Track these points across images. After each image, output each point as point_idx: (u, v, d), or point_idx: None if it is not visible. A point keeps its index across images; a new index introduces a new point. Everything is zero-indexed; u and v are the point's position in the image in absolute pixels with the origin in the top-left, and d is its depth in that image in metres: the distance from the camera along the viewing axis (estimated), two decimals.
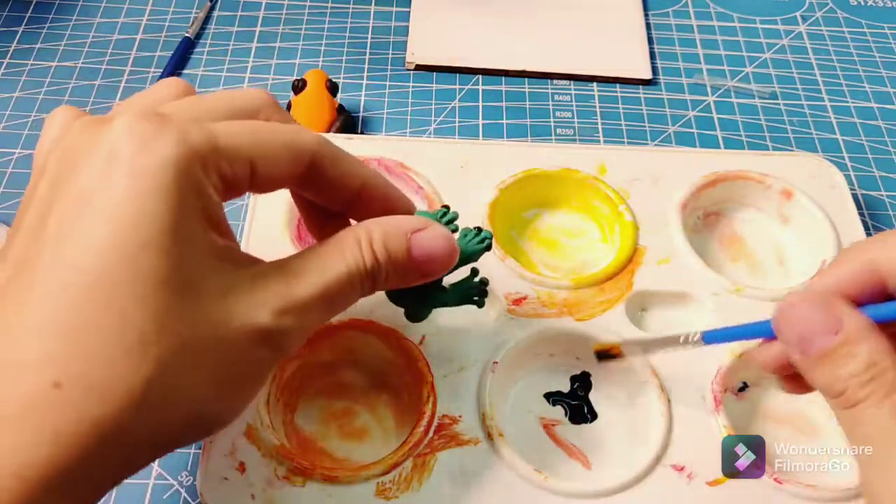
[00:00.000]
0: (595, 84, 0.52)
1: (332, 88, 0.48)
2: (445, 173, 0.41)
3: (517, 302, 0.37)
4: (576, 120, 0.50)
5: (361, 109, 0.50)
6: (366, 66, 0.52)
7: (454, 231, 0.30)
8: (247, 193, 0.26)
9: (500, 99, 0.51)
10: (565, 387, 0.37)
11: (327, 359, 0.36)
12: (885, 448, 0.23)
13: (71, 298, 0.20)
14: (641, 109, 0.51)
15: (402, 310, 0.32)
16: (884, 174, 0.48)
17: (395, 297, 0.31)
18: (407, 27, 0.54)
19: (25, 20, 0.53)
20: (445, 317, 0.35)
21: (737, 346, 0.36)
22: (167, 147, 0.22)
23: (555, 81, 0.52)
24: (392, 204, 0.28)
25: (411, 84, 0.51)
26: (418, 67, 0.52)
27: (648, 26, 0.56)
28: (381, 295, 0.33)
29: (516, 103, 0.51)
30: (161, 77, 0.50)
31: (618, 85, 0.52)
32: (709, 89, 0.52)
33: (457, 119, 0.50)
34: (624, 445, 0.35)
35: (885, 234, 0.27)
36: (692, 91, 0.52)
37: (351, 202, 0.27)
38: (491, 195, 0.40)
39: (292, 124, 0.26)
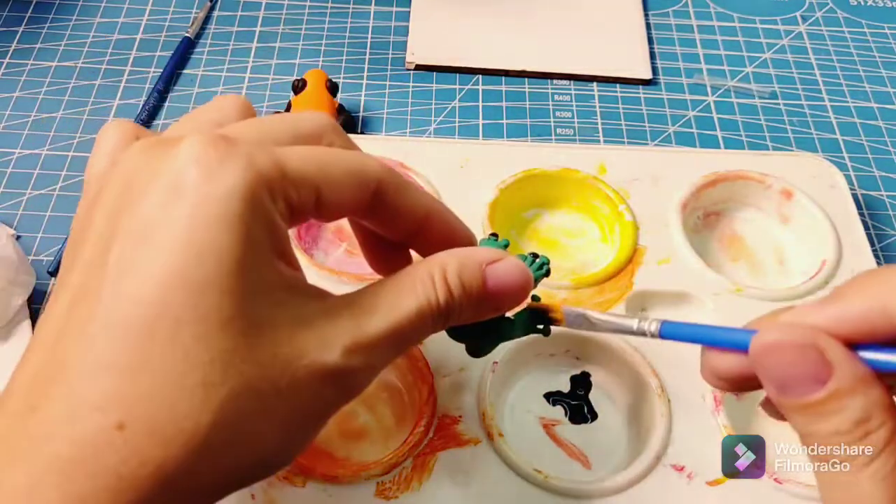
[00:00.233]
0: (595, 84, 0.52)
1: (332, 88, 0.48)
2: (445, 173, 0.41)
3: None
4: (576, 120, 0.50)
5: (361, 109, 0.50)
6: (366, 66, 0.52)
7: None
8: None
9: (500, 99, 0.51)
10: (565, 387, 0.37)
11: None
12: None
13: (133, 336, 0.19)
14: (641, 109, 0.51)
15: None
16: (884, 174, 0.48)
17: (457, 333, 0.28)
18: (407, 27, 0.54)
19: (25, 20, 0.53)
20: None
21: None
22: (234, 175, 0.20)
23: (555, 81, 0.52)
24: (454, 234, 0.27)
25: (411, 84, 0.51)
26: (418, 67, 0.52)
27: (648, 26, 0.56)
28: None
29: (516, 103, 0.51)
30: (161, 77, 0.50)
31: (618, 85, 0.52)
32: (709, 89, 0.52)
33: (457, 119, 0.50)
34: (624, 445, 0.35)
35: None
36: (692, 91, 0.52)
37: (413, 232, 0.26)
38: (491, 195, 0.40)
39: (357, 151, 0.26)
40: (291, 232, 0.38)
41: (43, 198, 0.44)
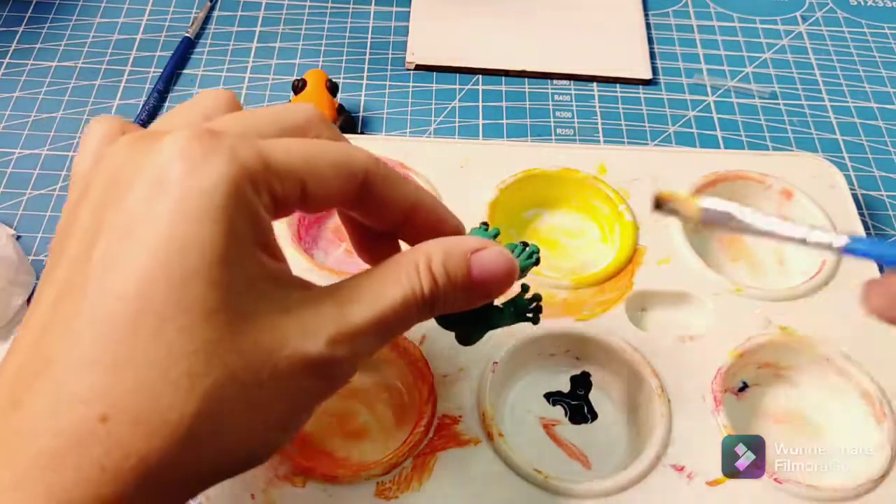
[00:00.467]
0: (595, 84, 0.52)
1: (332, 88, 0.48)
2: (445, 173, 0.41)
3: None
4: (576, 120, 0.50)
5: (361, 109, 0.50)
6: (366, 66, 0.52)
7: None
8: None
9: (500, 99, 0.51)
10: (565, 387, 0.37)
11: None
12: None
13: (117, 331, 0.19)
14: (641, 109, 0.51)
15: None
16: (884, 174, 0.48)
17: (447, 321, 0.28)
18: (407, 27, 0.54)
19: (25, 20, 0.53)
20: None
21: (737, 346, 0.36)
22: (218, 168, 0.20)
23: (555, 81, 0.52)
24: (443, 224, 0.27)
25: (411, 84, 0.51)
26: (418, 67, 0.52)
27: (648, 26, 0.56)
28: None
29: (516, 103, 0.51)
30: (161, 77, 0.50)
31: (618, 85, 0.52)
32: (709, 89, 0.52)
33: (457, 119, 0.50)
34: (624, 445, 0.35)
35: None
36: (692, 91, 0.52)
37: (401, 222, 0.26)
38: (491, 195, 0.40)
39: (343, 142, 0.26)
40: (291, 231, 0.39)
41: (43, 198, 0.44)
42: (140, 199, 0.20)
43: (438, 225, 0.27)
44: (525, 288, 0.29)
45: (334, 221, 0.41)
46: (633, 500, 0.32)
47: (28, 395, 0.19)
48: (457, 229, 0.27)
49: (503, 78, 0.52)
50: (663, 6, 0.58)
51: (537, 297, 0.30)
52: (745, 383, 0.37)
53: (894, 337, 0.37)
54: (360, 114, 0.50)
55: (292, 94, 0.48)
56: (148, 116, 0.48)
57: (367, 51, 0.53)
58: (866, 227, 0.43)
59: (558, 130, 0.49)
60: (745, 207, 0.23)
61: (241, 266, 0.21)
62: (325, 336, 0.22)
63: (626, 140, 0.49)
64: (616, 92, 0.52)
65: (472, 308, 0.26)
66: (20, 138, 0.47)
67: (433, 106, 0.50)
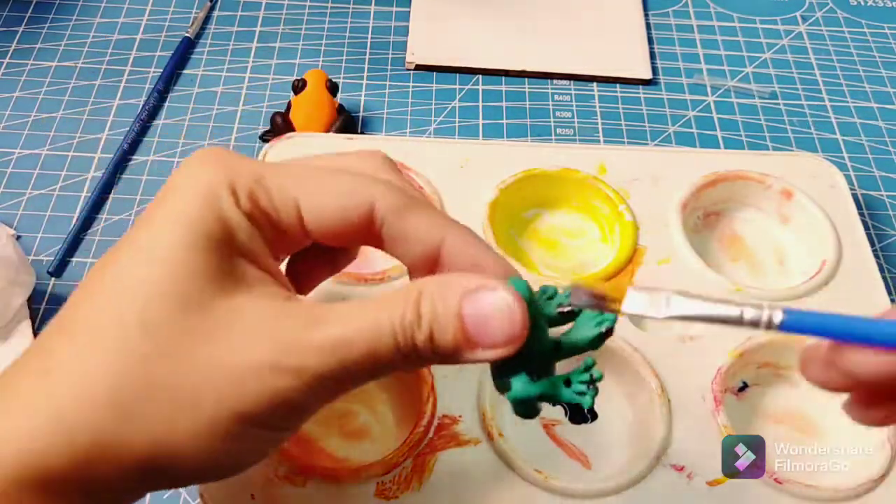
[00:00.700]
0: (595, 84, 0.52)
1: (332, 88, 0.48)
2: (445, 173, 0.41)
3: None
4: (576, 120, 0.50)
5: (361, 109, 0.50)
6: (366, 66, 0.52)
7: (573, 317, 0.23)
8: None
9: (500, 99, 0.51)
10: None
11: None
12: None
13: (97, 305, 0.21)
14: (641, 109, 0.51)
15: None
16: (884, 174, 0.48)
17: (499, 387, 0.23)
18: (407, 27, 0.54)
19: (25, 20, 0.53)
20: None
21: (737, 346, 0.36)
22: (208, 171, 0.22)
23: (555, 81, 0.52)
24: (480, 266, 0.23)
25: (411, 84, 0.51)
26: (418, 67, 0.52)
27: (648, 26, 0.56)
28: None
29: (516, 103, 0.51)
30: (161, 77, 0.50)
31: (618, 85, 0.52)
32: (709, 89, 0.52)
33: (457, 119, 0.50)
34: (624, 445, 0.35)
35: None
36: (692, 91, 0.52)
37: (430, 262, 0.23)
38: (491, 195, 0.40)
39: (395, 182, 0.24)
40: None
41: (43, 198, 0.44)
42: (158, 194, 0.23)
43: (478, 270, 0.23)
44: (588, 364, 0.23)
45: None
46: (633, 500, 0.32)
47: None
48: (501, 270, 0.23)
49: (503, 78, 0.52)
50: (663, 6, 0.58)
51: (596, 377, 0.24)
52: (745, 383, 0.37)
53: None
54: (360, 114, 0.50)
55: (292, 94, 0.48)
56: (148, 116, 0.48)
57: (367, 51, 0.53)
58: (866, 227, 0.43)
59: (558, 130, 0.49)
60: (674, 297, 0.21)
61: (189, 254, 0.21)
62: (269, 354, 0.20)
63: (626, 140, 0.49)
64: (616, 92, 0.52)
65: (499, 361, 0.22)
66: (20, 138, 0.47)
67: (433, 106, 0.50)
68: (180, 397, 0.20)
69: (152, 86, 0.50)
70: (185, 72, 0.51)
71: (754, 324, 0.20)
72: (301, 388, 0.21)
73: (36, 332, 0.39)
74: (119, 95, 0.50)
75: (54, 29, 0.53)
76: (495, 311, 0.21)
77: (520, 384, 0.22)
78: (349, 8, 0.56)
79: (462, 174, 0.42)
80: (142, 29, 0.54)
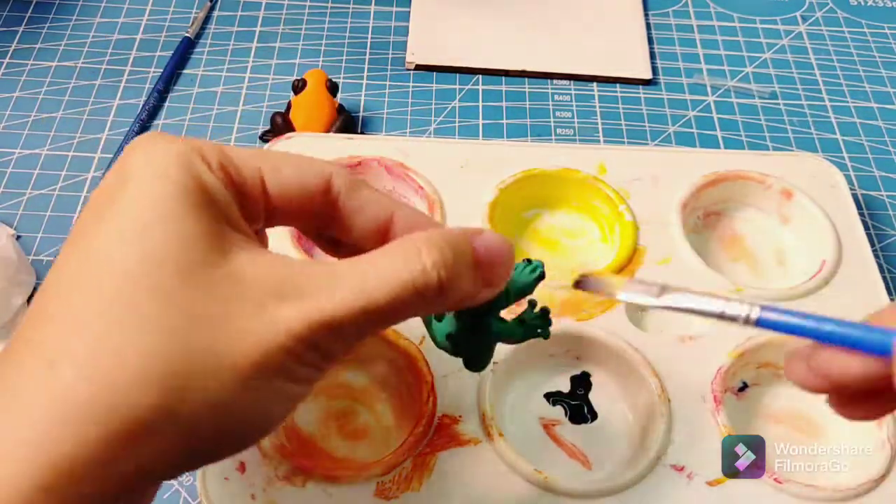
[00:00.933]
0: (595, 84, 0.52)
1: (332, 88, 0.48)
2: (445, 173, 0.41)
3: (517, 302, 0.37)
4: (576, 120, 0.50)
5: (361, 109, 0.50)
6: (366, 66, 0.52)
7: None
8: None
9: (500, 99, 0.51)
10: (565, 387, 0.37)
11: None
12: None
13: (84, 288, 0.20)
14: (641, 109, 0.51)
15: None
16: (884, 174, 0.48)
17: (455, 341, 0.27)
18: (407, 27, 0.54)
19: (25, 20, 0.53)
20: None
21: (737, 346, 0.36)
22: (167, 146, 0.22)
23: (555, 81, 0.52)
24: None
25: (411, 84, 0.51)
26: (418, 67, 0.52)
27: (648, 26, 0.56)
28: None
29: (516, 103, 0.51)
30: (161, 77, 0.50)
31: (618, 85, 0.52)
32: (709, 89, 0.52)
33: (457, 119, 0.50)
34: (624, 445, 0.35)
35: None
36: (692, 91, 0.52)
37: (379, 239, 0.25)
38: (491, 195, 0.40)
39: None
40: (291, 233, 0.38)
41: (43, 198, 0.44)
42: (108, 182, 0.22)
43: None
44: (532, 303, 0.29)
45: None
46: (633, 500, 0.32)
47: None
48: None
49: (503, 78, 0.52)
50: (663, 6, 0.58)
51: (546, 311, 0.29)
52: (745, 383, 0.37)
53: None
54: (360, 114, 0.50)
55: (292, 94, 0.48)
56: (148, 116, 0.48)
57: (367, 51, 0.53)
58: (866, 227, 0.43)
59: (558, 130, 0.49)
60: (666, 294, 0.23)
61: (193, 223, 0.21)
62: (293, 328, 0.20)
63: (626, 140, 0.49)
64: (616, 92, 0.52)
65: (476, 323, 0.26)
66: (20, 138, 0.47)
67: (433, 106, 0.50)
68: (216, 361, 0.20)
69: (152, 86, 0.50)
70: (185, 72, 0.51)
71: (734, 319, 0.21)
72: (325, 336, 0.21)
73: None
74: (119, 95, 0.50)
75: (54, 29, 0.53)
76: (502, 249, 0.24)
77: (496, 323, 0.27)
78: (349, 8, 0.56)
79: (462, 174, 0.42)
80: (142, 29, 0.54)
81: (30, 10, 0.54)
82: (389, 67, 0.52)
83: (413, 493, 0.31)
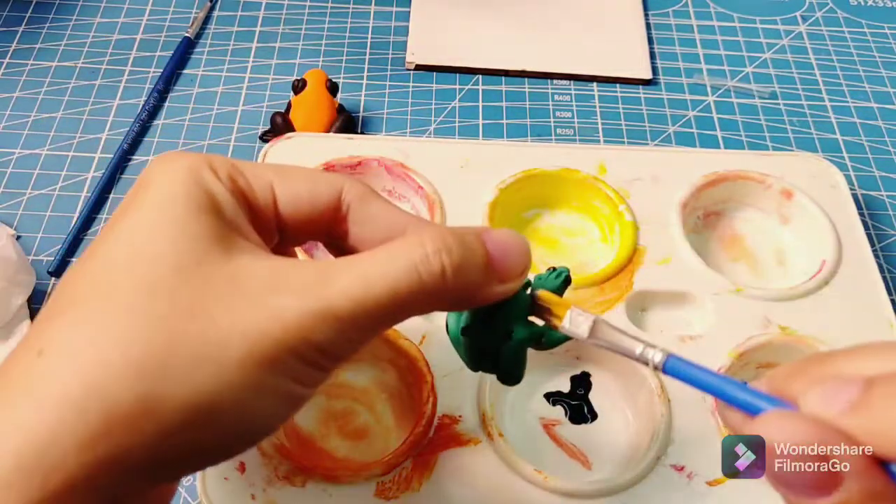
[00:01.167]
0: (595, 84, 0.52)
1: (332, 88, 0.48)
2: (445, 173, 0.41)
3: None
4: (576, 120, 0.50)
5: (361, 109, 0.50)
6: (366, 66, 0.52)
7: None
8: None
9: (500, 99, 0.51)
10: (565, 387, 0.37)
11: None
12: None
13: (93, 285, 0.20)
14: (641, 109, 0.51)
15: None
16: (884, 174, 0.48)
17: (468, 336, 0.26)
18: (407, 27, 0.54)
19: (25, 20, 0.53)
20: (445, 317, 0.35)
21: (737, 346, 0.36)
22: (182, 158, 0.23)
23: (555, 81, 0.52)
24: None
25: (411, 84, 0.51)
26: (418, 67, 0.52)
27: (648, 26, 0.56)
28: None
29: (516, 103, 0.51)
30: (161, 77, 0.50)
31: (618, 85, 0.52)
32: (709, 89, 0.52)
33: (457, 119, 0.50)
34: (624, 445, 0.35)
35: None
36: (692, 91, 0.52)
37: None
38: (491, 195, 0.40)
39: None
40: None
41: (43, 198, 0.44)
42: (129, 194, 0.23)
43: None
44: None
45: None
46: (633, 500, 0.32)
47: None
48: None
49: (503, 78, 0.52)
50: (663, 6, 0.58)
51: (550, 306, 0.26)
52: (745, 383, 0.37)
53: (895, 337, 0.37)
54: (360, 114, 0.50)
55: (292, 94, 0.48)
56: (148, 116, 0.48)
57: (367, 51, 0.53)
58: (866, 227, 0.43)
59: (558, 130, 0.49)
60: (605, 329, 0.25)
61: (183, 223, 0.21)
62: (290, 319, 0.20)
63: (626, 140, 0.49)
64: (616, 92, 0.52)
65: (498, 302, 0.24)
66: (20, 138, 0.47)
67: (433, 106, 0.50)
68: (207, 351, 0.19)
69: (152, 86, 0.50)
70: (185, 72, 0.51)
71: (644, 362, 0.23)
72: (325, 332, 0.20)
73: None
74: (119, 95, 0.50)
75: (54, 29, 0.53)
76: (514, 243, 0.23)
77: (521, 329, 0.26)
78: (349, 8, 0.56)
79: (462, 174, 0.42)
80: (142, 29, 0.54)
81: (30, 10, 0.54)
82: (389, 67, 0.52)
83: (413, 493, 0.31)
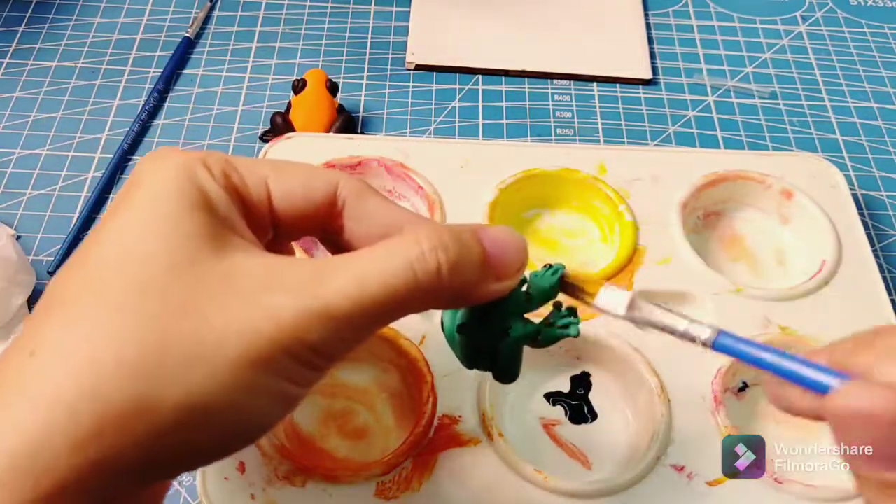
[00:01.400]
0: (595, 84, 0.52)
1: (332, 88, 0.48)
2: (445, 173, 0.41)
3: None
4: (576, 120, 0.50)
5: (361, 109, 0.50)
6: (366, 66, 0.52)
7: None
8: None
9: (500, 99, 0.51)
10: (565, 387, 0.37)
11: None
12: None
13: (85, 284, 0.20)
14: (641, 109, 0.51)
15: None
16: (884, 174, 0.48)
17: (464, 334, 0.26)
18: (407, 27, 0.54)
19: (25, 20, 0.53)
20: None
21: None
22: (175, 156, 0.22)
23: (555, 81, 0.52)
24: None
25: (411, 84, 0.51)
26: (418, 67, 0.52)
27: (648, 26, 0.56)
28: None
29: (516, 103, 0.51)
30: (161, 77, 0.50)
31: (618, 85, 0.52)
32: (709, 89, 0.52)
33: (457, 119, 0.50)
34: (624, 445, 0.35)
35: None
36: (692, 91, 0.52)
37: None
38: (491, 195, 0.40)
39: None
40: None
41: (43, 198, 0.44)
42: (120, 192, 0.22)
43: None
44: (558, 305, 0.27)
45: None
46: (633, 500, 0.32)
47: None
48: None
49: (503, 78, 0.52)
50: (663, 6, 0.58)
51: (573, 309, 0.27)
52: (745, 383, 0.37)
53: None
54: (360, 114, 0.50)
55: (292, 94, 0.48)
56: (148, 116, 0.48)
57: (367, 51, 0.53)
58: (866, 227, 0.43)
59: (558, 130, 0.49)
60: (643, 304, 0.23)
61: (176, 219, 0.21)
62: (285, 318, 0.20)
63: (626, 140, 0.49)
64: (616, 92, 0.52)
65: (495, 301, 0.24)
66: (20, 138, 0.47)
67: (433, 106, 0.50)
68: (200, 351, 0.19)
69: (152, 86, 0.50)
70: (185, 72, 0.51)
71: (691, 339, 0.22)
72: (320, 331, 0.20)
73: None
74: (119, 95, 0.50)
75: (54, 29, 0.53)
76: (510, 240, 0.23)
77: (518, 326, 0.26)
78: (349, 8, 0.56)
79: (462, 174, 0.42)
80: (142, 29, 0.54)
81: (30, 10, 0.54)
82: (389, 67, 0.52)
83: (413, 493, 0.31)
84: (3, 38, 0.52)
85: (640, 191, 0.41)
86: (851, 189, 0.43)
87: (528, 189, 0.42)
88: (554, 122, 0.50)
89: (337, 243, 0.25)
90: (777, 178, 0.42)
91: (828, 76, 0.54)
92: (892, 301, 0.39)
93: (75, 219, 0.43)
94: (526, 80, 0.52)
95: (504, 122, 0.50)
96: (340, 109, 0.48)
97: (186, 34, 0.52)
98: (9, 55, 0.51)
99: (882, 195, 0.47)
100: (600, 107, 0.51)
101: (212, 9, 0.55)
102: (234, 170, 0.23)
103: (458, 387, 0.34)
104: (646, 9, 0.57)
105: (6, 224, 0.42)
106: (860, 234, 0.40)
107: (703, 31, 0.56)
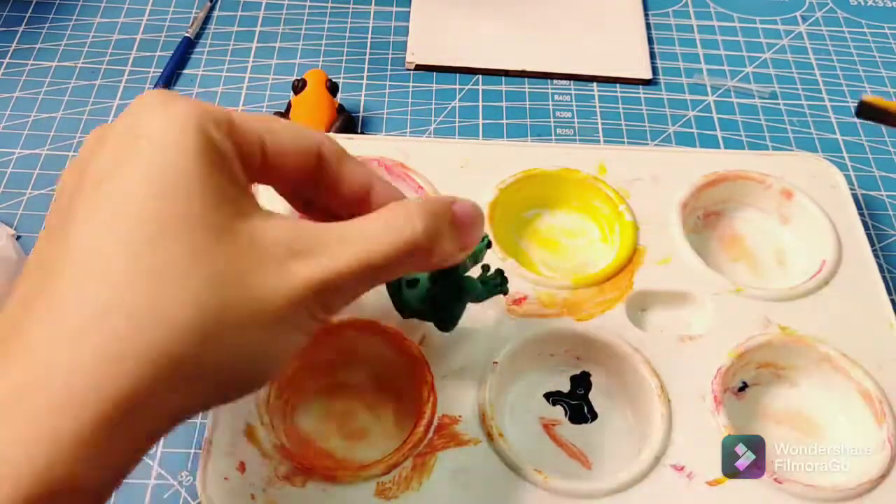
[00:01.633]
0: (595, 84, 0.52)
1: (332, 88, 0.48)
2: (445, 173, 0.41)
3: (517, 302, 0.37)
4: (576, 120, 0.50)
5: (361, 109, 0.50)
6: (366, 66, 0.52)
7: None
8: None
9: (500, 99, 0.51)
10: (565, 387, 0.37)
11: (328, 358, 0.36)
12: None
13: (120, 239, 0.21)
14: (641, 109, 0.51)
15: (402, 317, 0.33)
16: (884, 174, 0.48)
17: (434, 303, 0.33)
18: (407, 27, 0.54)
19: (25, 20, 0.53)
20: None
21: (737, 346, 0.36)
22: (183, 107, 0.23)
23: (555, 81, 0.52)
24: None
25: (411, 84, 0.51)
26: (418, 67, 0.52)
27: (648, 26, 0.56)
28: (384, 300, 0.33)
29: (516, 103, 0.51)
30: (161, 77, 0.50)
31: (618, 85, 0.52)
32: (709, 89, 0.52)
33: (457, 119, 0.50)
34: (624, 445, 0.35)
35: None
36: (692, 91, 0.52)
37: (358, 202, 0.28)
38: (491, 195, 0.40)
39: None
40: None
41: (43, 198, 0.44)
42: (120, 143, 0.22)
43: None
44: (487, 267, 0.33)
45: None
46: (633, 500, 0.32)
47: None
48: None
49: (503, 78, 0.52)
50: (663, 6, 0.58)
51: (500, 271, 0.34)
52: (745, 383, 0.37)
53: (894, 337, 0.37)
54: (360, 114, 0.50)
55: (292, 94, 0.48)
56: None
57: (367, 51, 0.53)
58: (866, 227, 0.43)
59: (558, 130, 0.49)
60: None
61: (213, 184, 0.22)
62: (313, 281, 0.23)
63: (626, 140, 0.49)
64: (616, 92, 0.52)
65: (444, 285, 0.31)
66: (20, 138, 0.47)
67: (433, 106, 0.50)
68: (245, 314, 0.22)
69: (152, 86, 0.50)
70: (185, 72, 0.51)
71: None
72: (334, 293, 0.24)
73: None
74: (119, 95, 0.50)
75: (54, 29, 0.53)
76: (478, 215, 0.28)
77: (469, 283, 0.33)
78: (349, 8, 0.56)
79: (462, 174, 0.42)
80: (142, 29, 0.54)
81: (30, 10, 0.54)
82: (389, 67, 0.52)
83: (413, 493, 0.31)
84: (3, 38, 0.52)
85: (640, 191, 0.41)
86: (851, 189, 0.43)
87: (528, 189, 0.42)
88: (554, 122, 0.50)
89: (307, 200, 0.28)
90: (777, 178, 0.42)
91: (828, 76, 0.54)
92: (892, 301, 0.39)
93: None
94: (526, 80, 0.52)
95: (504, 122, 0.50)
96: (340, 109, 0.48)
97: (186, 34, 0.53)
98: (9, 55, 0.51)
99: (882, 195, 0.47)
100: (600, 107, 0.51)
101: (212, 9, 0.55)
102: (236, 128, 0.24)
103: (458, 387, 0.34)
104: (646, 9, 0.57)
105: (6, 224, 0.42)
106: (860, 234, 0.40)
107: (703, 31, 0.56)
